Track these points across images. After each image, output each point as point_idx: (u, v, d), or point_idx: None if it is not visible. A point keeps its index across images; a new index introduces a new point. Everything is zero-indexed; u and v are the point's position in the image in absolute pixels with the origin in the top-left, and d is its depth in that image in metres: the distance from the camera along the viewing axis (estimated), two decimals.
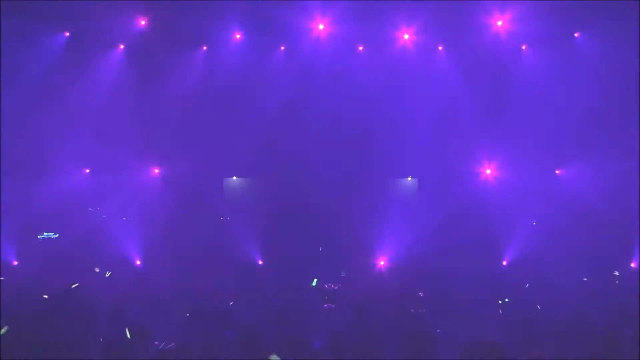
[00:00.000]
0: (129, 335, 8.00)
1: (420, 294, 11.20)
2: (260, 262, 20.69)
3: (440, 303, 10.73)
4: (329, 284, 12.78)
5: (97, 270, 18.94)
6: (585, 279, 13.24)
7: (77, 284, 15.50)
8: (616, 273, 12.94)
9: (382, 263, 20.46)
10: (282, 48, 21.74)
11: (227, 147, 21.71)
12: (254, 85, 21.43)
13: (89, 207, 21.78)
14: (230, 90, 21.41)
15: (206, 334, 8.52)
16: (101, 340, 8.78)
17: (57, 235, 21.36)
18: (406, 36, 21.20)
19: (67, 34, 21.20)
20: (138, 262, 20.44)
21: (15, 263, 19.67)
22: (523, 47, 21.63)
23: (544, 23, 21.18)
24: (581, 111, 20.93)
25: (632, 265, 19.79)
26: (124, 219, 21.84)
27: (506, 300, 10.83)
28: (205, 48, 21.69)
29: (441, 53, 21.76)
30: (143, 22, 20.87)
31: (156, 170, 22.34)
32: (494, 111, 21.44)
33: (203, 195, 22.35)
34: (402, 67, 21.23)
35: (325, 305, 10.53)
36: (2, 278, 15.29)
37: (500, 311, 10.45)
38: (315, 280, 16.23)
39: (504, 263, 20.56)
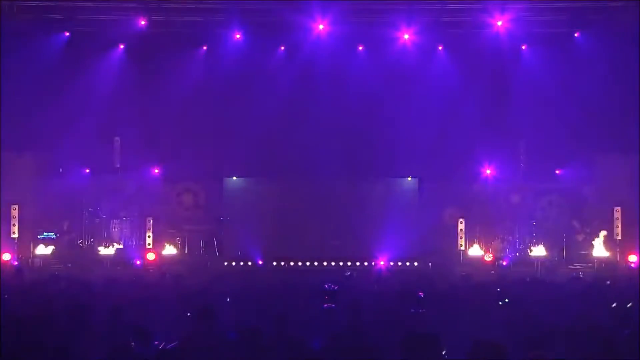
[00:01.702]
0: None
1: (420, 293, 11.18)
2: (260, 262, 20.70)
3: (440, 303, 10.72)
4: (329, 284, 12.76)
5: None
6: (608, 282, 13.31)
7: None
8: (607, 282, 13.06)
9: (382, 263, 20.47)
10: (282, 48, 21.76)
11: (227, 147, 21.71)
12: (254, 85, 21.43)
13: (89, 207, 21.79)
14: (230, 90, 21.41)
15: (206, 334, 8.51)
16: (100, 340, 8.77)
17: (57, 235, 21.36)
18: (406, 36, 21.22)
19: (67, 34, 21.25)
20: (138, 262, 20.47)
21: (16, 263, 19.68)
22: (523, 47, 21.65)
23: (544, 23, 21.23)
24: (581, 110, 20.97)
25: (632, 265, 19.82)
26: (124, 218, 21.88)
27: (506, 300, 10.81)
28: (205, 48, 21.71)
29: (441, 53, 21.78)
30: (143, 22, 20.90)
31: (156, 170, 22.36)
32: (494, 111, 21.46)
33: (203, 195, 22.41)
34: (402, 67, 21.24)
35: (325, 305, 10.51)
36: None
37: (501, 311, 10.46)
38: None
39: (504, 263, 20.57)
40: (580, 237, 21.26)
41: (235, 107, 21.52)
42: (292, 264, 21.11)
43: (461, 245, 21.19)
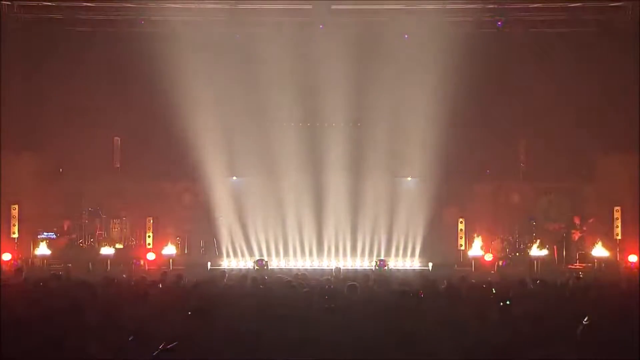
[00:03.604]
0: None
1: (420, 293, 11.19)
2: (260, 262, 20.71)
3: (440, 303, 10.74)
4: (329, 284, 12.80)
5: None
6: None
7: None
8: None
9: (382, 262, 20.48)
10: (282, 48, 21.73)
11: (228, 146, 21.71)
12: (254, 84, 21.42)
13: (89, 207, 21.82)
14: (230, 90, 21.40)
15: (206, 334, 8.52)
16: (100, 340, 8.78)
17: (57, 235, 21.37)
18: (406, 36, 21.22)
19: (67, 34, 21.26)
20: (138, 262, 20.46)
21: (16, 263, 19.68)
22: (522, 47, 21.65)
23: (544, 23, 21.26)
24: (581, 110, 20.98)
25: (632, 265, 19.82)
26: (124, 218, 21.89)
27: (507, 302, 10.81)
28: (205, 48, 21.68)
29: (440, 53, 21.75)
30: (143, 22, 20.92)
31: (156, 170, 22.35)
32: (494, 111, 21.48)
33: (203, 195, 22.41)
34: (402, 66, 21.23)
35: (326, 305, 10.54)
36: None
37: (501, 312, 10.47)
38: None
39: (502, 263, 20.55)
40: (576, 236, 21.23)
41: (236, 106, 21.52)
42: (292, 263, 21.13)
43: (461, 245, 21.18)
